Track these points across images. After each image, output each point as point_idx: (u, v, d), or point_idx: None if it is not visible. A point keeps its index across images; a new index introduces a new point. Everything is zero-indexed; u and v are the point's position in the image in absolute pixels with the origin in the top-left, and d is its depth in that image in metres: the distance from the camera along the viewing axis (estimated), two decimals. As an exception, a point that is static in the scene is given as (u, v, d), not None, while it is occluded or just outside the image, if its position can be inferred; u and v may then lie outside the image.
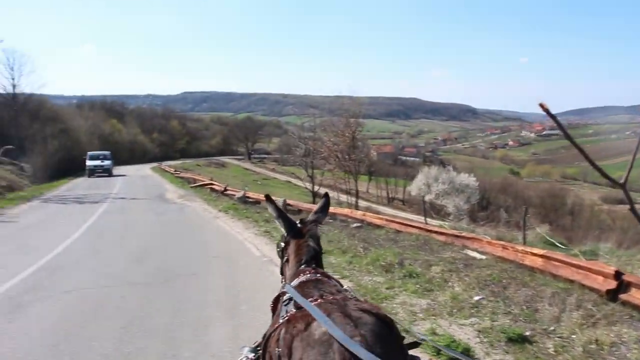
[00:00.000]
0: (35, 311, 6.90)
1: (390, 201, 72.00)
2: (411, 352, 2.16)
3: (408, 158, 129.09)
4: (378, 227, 14.22)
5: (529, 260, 8.07)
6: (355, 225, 14.75)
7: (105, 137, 74.73)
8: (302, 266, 2.79)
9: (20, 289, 8.00)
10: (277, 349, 2.10)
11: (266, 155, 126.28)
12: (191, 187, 30.39)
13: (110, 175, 44.41)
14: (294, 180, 69.88)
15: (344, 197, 23.92)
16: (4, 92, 52.14)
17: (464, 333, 5.63)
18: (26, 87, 54.34)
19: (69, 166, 47.46)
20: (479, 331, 5.62)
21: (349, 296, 2.31)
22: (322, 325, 1.88)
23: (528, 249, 8.50)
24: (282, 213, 3.19)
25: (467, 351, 4.99)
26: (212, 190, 26.72)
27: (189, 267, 9.50)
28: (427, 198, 56.72)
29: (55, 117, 57.18)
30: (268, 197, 3.30)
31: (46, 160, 44.03)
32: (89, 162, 45.22)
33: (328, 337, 1.83)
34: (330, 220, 16.00)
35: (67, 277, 8.76)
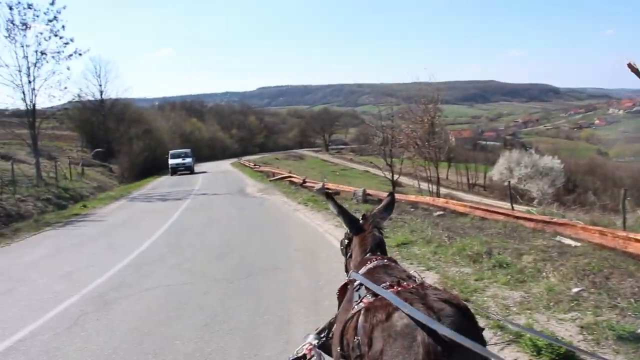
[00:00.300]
0: (121, 308, 7.00)
1: (470, 187, 70.18)
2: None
3: (487, 142, 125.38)
4: (462, 214, 13.66)
5: (632, 248, 7.32)
6: (437, 213, 14.24)
7: (186, 135, 77.31)
8: (368, 254, 2.77)
9: (107, 286, 8.18)
10: (355, 337, 2.07)
11: (343, 146, 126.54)
12: (270, 180, 30.62)
13: (192, 172, 44.89)
14: (372, 170, 69.21)
15: (424, 185, 23.28)
16: (93, 98, 54.69)
17: (565, 329, 5.11)
18: (112, 92, 57.29)
19: (153, 165, 49.43)
20: (582, 327, 5.06)
21: (421, 283, 2.27)
22: (405, 313, 1.84)
23: (632, 235, 7.68)
24: (343, 210, 3.20)
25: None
26: (291, 182, 26.80)
27: (271, 261, 9.42)
28: (509, 183, 55.23)
29: (139, 119, 59.52)
30: (328, 195, 3.39)
31: (132, 161, 45.97)
32: (171, 161, 45.94)
33: (411, 329, 1.78)
34: (412, 209, 15.58)
35: (151, 274, 8.88)
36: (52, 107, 32.05)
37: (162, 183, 36.48)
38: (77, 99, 32.83)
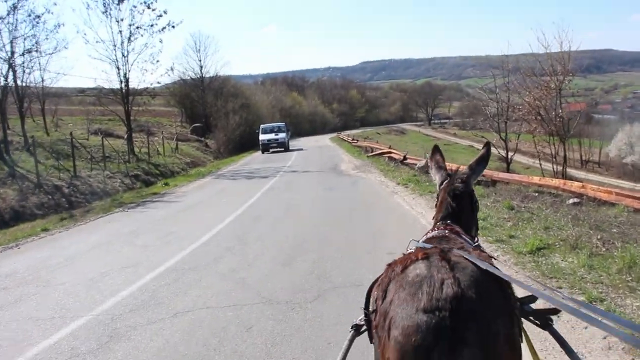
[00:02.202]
0: (124, 350, 4.79)
1: (583, 164, 63.88)
2: None
3: (603, 116, 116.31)
4: (605, 203, 10.57)
5: None
6: (572, 201, 11.14)
7: (286, 110, 76.22)
8: (439, 223, 2.53)
9: (129, 304, 6.07)
10: (376, 293, 1.97)
11: (447, 120, 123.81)
12: (368, 156, 28.05)
13: (286, 149, 40.96)
14: (477, 145, 65.54)
15: (547, 166, 19.71)
16: (193, 73, 54.41)
17: None
18: (211, 67, 56.86)
19: (249, 140, 47.85)
20: None
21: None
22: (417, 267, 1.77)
23: None
24: (440, 166, 2.87)
25: None
26: (391, 159, 23.98)
27: (352, 271, 6.85)
28: (629, 160, 49.73)
29: (237, 94, 58.40)
30: (436, 149, 3.04)
31: (228, 136, 44.72)
32: (262, 137, 42.29)
33: (421, 278, 1.69)
34: (536, 194, 12.57)
35: (191, 287, 6.62)
36: (151, 85, 31.14)
37: (255, 159, 34.91)
38: (169, 73, 31.13)
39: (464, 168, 2.78)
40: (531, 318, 2.13)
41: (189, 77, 55.13)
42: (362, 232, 9.41)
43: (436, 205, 2.78)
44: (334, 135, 61.80)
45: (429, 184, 14.26)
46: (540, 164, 19.30)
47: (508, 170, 20.45)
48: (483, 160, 2.73)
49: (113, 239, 10.45)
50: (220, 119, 47.84)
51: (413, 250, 2.07)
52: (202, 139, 44.62)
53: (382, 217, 10.87)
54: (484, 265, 1.74)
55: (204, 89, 54.14)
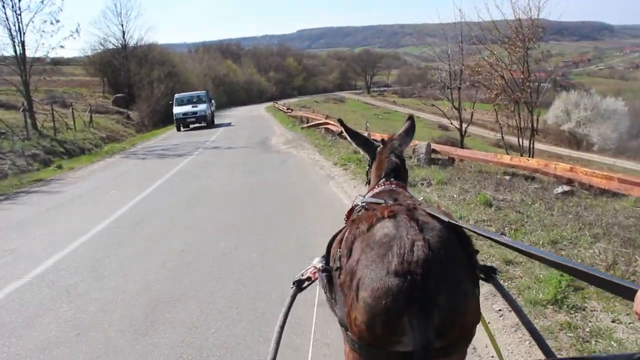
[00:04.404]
0: None
1: (520, 132, 63.23)
2: None
3: (536, 84, 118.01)
4: (604, 193, 8.02)
5: None
6: (560, 189, 8.52)
7: (220, 78, 72.57)
8: (381, 180, 2.58)
9: None
10: (338, 249, 1.97)
11: (386, 88, 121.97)
12: (302, 128, 24.99)
13: (208, 124, 33.85)
14: (416, 113, 64.02)
15: (511, 139, 16.98)
16: (115, 39, 49.65)
17: None
18: (135, 32, 52.08)
19: (177, 111, 43.87)
20: None
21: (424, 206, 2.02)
22: (384, 226, 1.72)
23: None
24: (359, 137, 3.00)
25: None
26: (327, 131, 20.99)
27: (262, 329, 4.02)
28: (566, 127, 49.74)
29: (165, 61, 53.82)
30: (341, 122, 3.22)
31: (152, 107, 40.54)
32: (176, 109, 33.73)
33: (390, 239, 1.64)
34: (507, 178, 9.97)
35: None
36: (52, 49, 26.66)
37: (178, 133, 31.05)
38: (74, 35, 26.72)
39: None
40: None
41: (110, 43, 50.13)
42: (281, 248, 6.32)
43: (367, 173, 2.98)
44: (270, 104, 58.02)
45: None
46: (503, 137, 16.62)
47: (462, 145, 17.79)
48: (410, 131, 2.94)
49: None
50: (144, 89, 43.55)
51: (362, 204, 2.28)
52: (125, 110, 40.37)
53: (313, 220, 7.70)
54: (452, 221, 1.75)
55: (126, 56, 49.25)
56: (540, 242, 5.57)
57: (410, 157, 12.54)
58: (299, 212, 8.35)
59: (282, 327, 2.12)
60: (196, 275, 5.56)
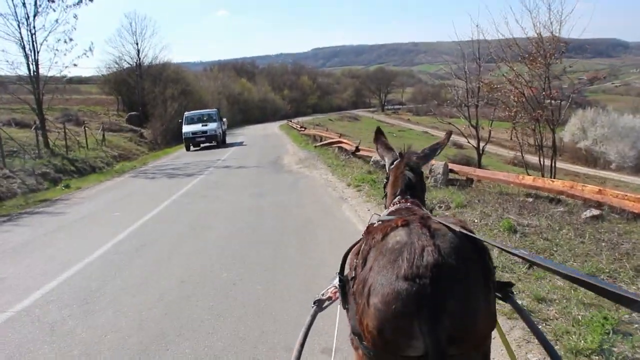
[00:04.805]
0: None
1: (541, 151, 62.58)
2: None
3: (552, 101, 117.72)
4: (638, 217, 7.43)
5: None
6: (589, 213, 7.94)
7: (234, 97, 72.68)
8: (397, 198, 2.56)
9: None
10: (355, 260, 1.97)
11: (400, 106, 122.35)
12: (315, 147, 24.53)
13: (219, 144, 32.36)
14: (431, 131, 63.60)
15: (532, 159, 16.26)
16: (130, 57, 49.88)
17: None
18: (149, 50, 52.26)
19: (190, 130, 43.68)
20: None
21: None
22: (397, 234, 1.74)
23: None
24: (388, 147, 2.96)
25: None
26: (341, 149, 20.50)
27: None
28: (582, 145, 49.00)
29: (179, 79, 53.87)
30: (379, 132, 3.11)
31: (166, 125, 40.37)
32: (185, 128, 32.47)
33: (401, 245, 1.66)
34: (530, 200, 9.40)
35: None
36: (66, 68, 26.53)
37: (189, 152, 30.64)
38: (87, 54, 26.54)
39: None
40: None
41: (125, 62, 50.34)
42: (289, 280, 5.80)
43: (385, 186, 2.87)
44: (284, 122, 57.72)
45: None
46: (523, 157, 15.97)
47: (479, 164, 17.19)
48: (440, 147, 2.84)
49: None
50: (158, 107, 43.50)
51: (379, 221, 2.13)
52: (139, 128, 40.22)
53: (324, 248, 7.16)
54: (464, 231, 1.73)
55: (141, 75, 49.39)
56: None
57: (427, 178, 12.03)
58: (309, 239, 7.82)
59: (302, 346, 2.14)
60: (194, 311, 5.06)
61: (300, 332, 2.19)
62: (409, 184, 2.56)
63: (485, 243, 1.81)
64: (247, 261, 6.76)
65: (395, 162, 2.75)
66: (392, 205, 2.49)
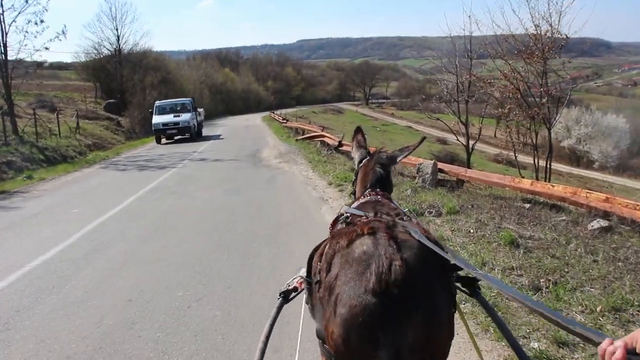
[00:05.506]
0: None
1: (514, 146, 62.44)
2: None
3: (535, 99, 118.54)
4: (650, 228, 6.63)
5: None
6: (596, 224, 7.11)
7: (217, 87, 71.69)
8: (367, 191, 2.62)
9: None
10: (319, 263, 1.95)
11: (384, 100, 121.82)
12: (297, 140, 23.59)
13: (193, 136, 29.73)
14: (415, 126, 63.27)
15: (525, 159, 15.40)
16: (109, 44, 48.53)
17: None
18: (130, 37, 50.94)
19: (169, 118, 42.42)
20: None
21: (405, 218, 2.12)
22: (363, 243, 1.73)
23: None
24: (360, 145, 3.08)
25: None
26: (323, 144, 19.59)
27: None
28: (566, 143, 48.74)
29: (160, 67, 52.49)
30: (359, 130, 3.19)
31: (144, 113, 39.09)
32: (156, 119, 29.49)
33: (368, 257, 1.66)
34: (527, 206, 8.60)
35: None
36: (36, 51, 25.25)
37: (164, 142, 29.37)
38: (60, 37, 25.20)
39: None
40: (459, 286, 2.07)
41: (104, 48, 48.95)
42: (256, 301, 4.88)
43: (353, 183, 3.00)
44: (267, 114, 56.62)
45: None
46: (516, 157, 15.10)
47: (468, 164, 16.32)
48: (411, 149, 2.85)
49: None
50: (137, 95, 42.27)
51: (347, 215, 2.22)
52: (116, 117, 38.91)
53: (299, 259, 6.23)
54: (430, 245, 1.72)
55: (120, 61, 47.98)
56: (597, 309, 4.18)
57: (415, 178, 11.17)
58: (283, 248, 6.86)
59: (267, 338, 2.10)
60: (135, 345, 4.11)
61: (266, 325, 2.14)
62: (379, 178, 2.64)
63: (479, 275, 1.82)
64: (209, 274, 5.81)
65: (364, 160, 2.88)
66: (362, 197, 2.53)
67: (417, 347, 1.56)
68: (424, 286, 1.62)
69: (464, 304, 4.40)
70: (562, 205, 8.47)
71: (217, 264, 6.20)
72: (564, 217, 7.77)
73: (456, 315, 1.88)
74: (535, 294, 4.67)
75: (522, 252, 5.87)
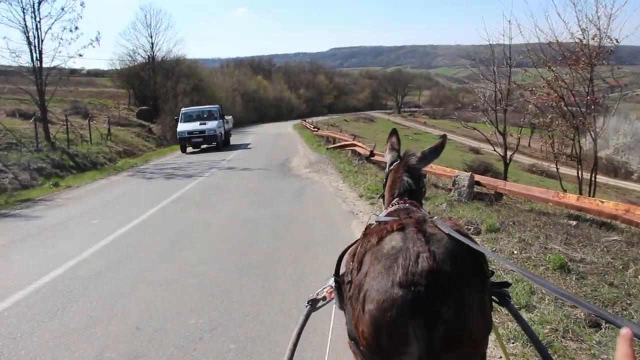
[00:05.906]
0: None
1: (556, 158, 60.95)
2: None
3: (572, 108, 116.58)
4: None
5: None
6: (647, 243, 6.42)
7: (249, 94, 71.78)
8: (395, 199, 2.53)
9: None
10: (351, 263, 1.95)
11: (416, 109, 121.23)
12: (327, 149, 23.10)
13: (220, 145, 28.35)
14: (449, 135, 61.86)
15: (567, 171, 14.66)
16: (143, 51, 48.98)
17: None
18: (164, 44, 51.35)
19: (202, 125, 42.40)
20: None
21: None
22: (392, 239, 1.71)
23: None
24: (393, 148, 2.94)
25: None
26: (354, 153, 19.03)
27: None
28: (603, 153, 47.28)
29: (192, 74, 52.77)
30: (394, 132, 3.09)
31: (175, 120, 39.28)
32: (181, 126, 28.54)
33: (396, 251, 1.63)
34: (572, 223, 7.90)
35: None
36: (70, 58, 25.40)
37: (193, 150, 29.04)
38: (94, 44, 25.22)
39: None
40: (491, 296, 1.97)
41: (139, 55, 49.45)
42: (276, 337, 4.28)
43: (383, 186, 2.81)
44: (298, 122, 56.34)
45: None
46: (558, 169, 14.27)
47: (505, 176, 15.55)
48: (437, 150, 2.72)
49: None
50: (169, 102, 42.47)
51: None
52: (148, 124, 39.04)
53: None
54: (459, 237, 1.68)
55: (153, 68, 48.35)
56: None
57: (450, 190, 10.55)
58: (309, 270, 6.28)
59: (294, 346, 2.11)
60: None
61: (294, 333, 2.14)
62: (407, 186, 2.54)
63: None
64: (226, 300, 5.30)
65: (394, 164, 2.77)
66: (390, 205, 2.48)
67: (450, 341, 1.51)
68: (452, 278, 1.56)
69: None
70: (613, 224, 7.77)
71: (235, 288, 5.67)
72: (616, 237, 7.06)
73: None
74: (595, 332, 4.06)
75: (574, 278, 5.24)
